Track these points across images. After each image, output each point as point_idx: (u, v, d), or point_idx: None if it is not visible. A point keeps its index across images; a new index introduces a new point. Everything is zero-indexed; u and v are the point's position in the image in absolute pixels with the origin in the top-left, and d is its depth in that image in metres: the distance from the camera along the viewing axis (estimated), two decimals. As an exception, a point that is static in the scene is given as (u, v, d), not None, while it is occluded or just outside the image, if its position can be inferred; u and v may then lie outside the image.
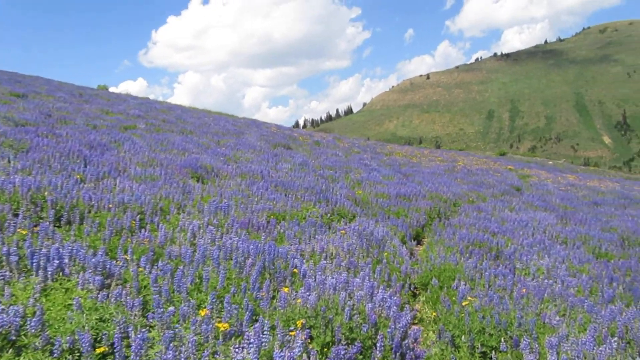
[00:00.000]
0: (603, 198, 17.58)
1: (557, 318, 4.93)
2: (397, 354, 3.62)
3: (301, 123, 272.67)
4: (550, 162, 48.86)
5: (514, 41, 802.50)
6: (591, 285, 6.43)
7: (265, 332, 3.20)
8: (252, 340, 3.05)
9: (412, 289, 6.29)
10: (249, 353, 3.03)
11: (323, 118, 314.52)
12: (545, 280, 6.26)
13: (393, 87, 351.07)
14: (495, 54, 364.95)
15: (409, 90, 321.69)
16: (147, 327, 3.46)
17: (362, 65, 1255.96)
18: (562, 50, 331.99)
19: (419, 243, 9.26)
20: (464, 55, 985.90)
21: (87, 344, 3.03)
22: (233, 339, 3.35)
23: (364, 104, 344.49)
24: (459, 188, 14.98)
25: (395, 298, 4.35)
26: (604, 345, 4.04)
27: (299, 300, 4.04)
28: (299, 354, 3.06)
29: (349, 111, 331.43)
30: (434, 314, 5.28)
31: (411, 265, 6.84)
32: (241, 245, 5.14)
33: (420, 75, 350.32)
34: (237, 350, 3.05)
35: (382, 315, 4.16)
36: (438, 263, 6.68)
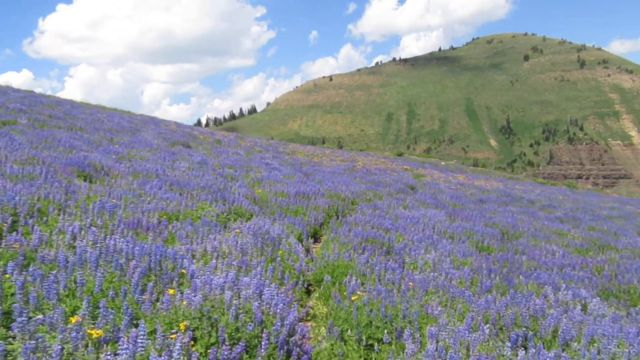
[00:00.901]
0: (488, 196, 18.97)
1: (439, 308, 5.20)
2: (282, 350, 3.61)
3: (204, 121, 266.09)
4: (443, 163, 51.88)
5: (412, 47, 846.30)
6: (472, 277, 6.87)
7: (141, 337, 3.02)
8: (126, 345, 2.87)
9: (306, 286, 6.33)
10: (122, 360, 2.85)
11: (227, 117, 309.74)
12: (431, 273, 6.58)
13: (297, 87, 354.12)
14: (394, 59, 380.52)
15: (312, 91, 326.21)
16: (8, 339, 3.15)
17: (267, 64, 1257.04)
18: (454, 58, 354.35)
19: (316, 241, 9.37)
20: (365, 59, 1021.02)
21: None
22: (107, 345, 3.14)
23: (268, 104, 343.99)
24: (358, 187, 15.39)
25: (283, 295, 4.33)
26: (478, 332, 4.33)
27: (184, 302, 3.89)
28: (178, 357, 2.93)
29: (253, 110, 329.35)
30: (326, 309, 5.35)
31: (306, 262, 6.89)
32: (125, 246, 4.86)
33: (324, 77, 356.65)
34: (109, 357, 2.84)
35: (270, 313, 4.13)
36: (332, 259, 6.78)
